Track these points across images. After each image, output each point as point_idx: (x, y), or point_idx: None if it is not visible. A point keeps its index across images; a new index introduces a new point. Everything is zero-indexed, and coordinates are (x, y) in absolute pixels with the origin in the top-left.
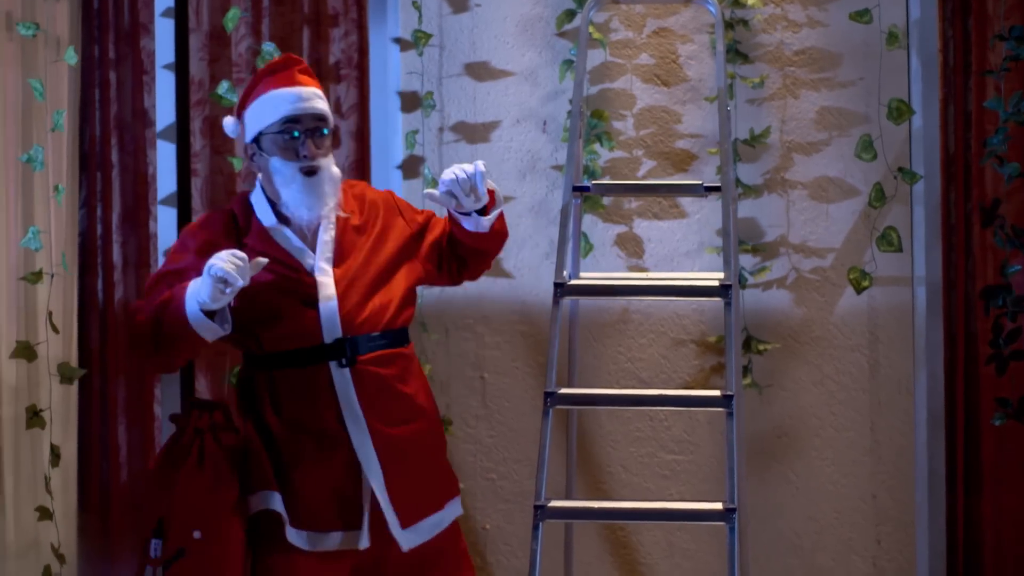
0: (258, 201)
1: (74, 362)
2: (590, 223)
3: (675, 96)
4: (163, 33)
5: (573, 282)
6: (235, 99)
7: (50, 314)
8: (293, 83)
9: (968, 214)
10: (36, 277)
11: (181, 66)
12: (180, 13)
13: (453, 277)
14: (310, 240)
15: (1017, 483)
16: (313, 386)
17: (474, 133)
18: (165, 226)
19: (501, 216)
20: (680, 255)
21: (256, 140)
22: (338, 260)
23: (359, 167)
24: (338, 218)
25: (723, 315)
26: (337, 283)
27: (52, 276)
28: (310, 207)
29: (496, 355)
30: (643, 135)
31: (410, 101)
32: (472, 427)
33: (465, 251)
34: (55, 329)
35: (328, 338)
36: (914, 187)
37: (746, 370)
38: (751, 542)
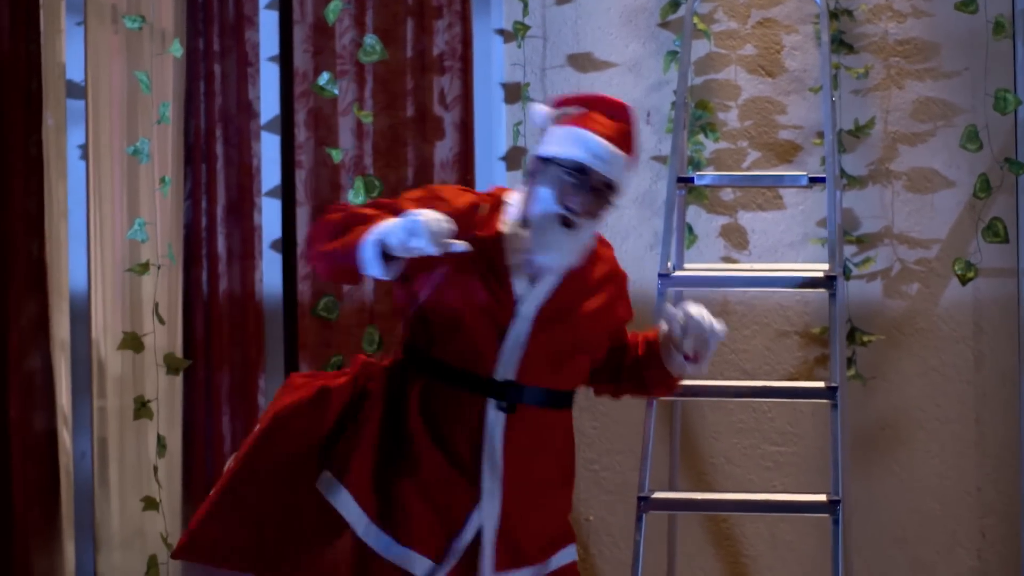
0: (511, 206)
1: (179, 353)
2: (694, 214)
3: (779, 87)
4: (267, 25)
5: (677, 273)
6: (336, 91)
7: (156, 305)
8: (612, 138)
9: None
10: (143, 269)
11: (285, 58)
12: (284, 5)
13: (604, 386)
14: (535, 277)
15: None
16: (465, 414)
17: None
18: (269, 218)
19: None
20: (784, 246)
21: (545, 159)
22: (549, 307)
23: (462, 159)
24: (569, 274)
25: (827, 306)
26: (534, 327)
27: (159, 268)
28: (549, 255)
29: None
30: (747, 126)
31: (513, 92)
32: (575, 418)
33: (637, 375)
34: (161, 320)
35: (499, 376)
36: (1020, 178)
37: (850, 362)
38: (855, 534)
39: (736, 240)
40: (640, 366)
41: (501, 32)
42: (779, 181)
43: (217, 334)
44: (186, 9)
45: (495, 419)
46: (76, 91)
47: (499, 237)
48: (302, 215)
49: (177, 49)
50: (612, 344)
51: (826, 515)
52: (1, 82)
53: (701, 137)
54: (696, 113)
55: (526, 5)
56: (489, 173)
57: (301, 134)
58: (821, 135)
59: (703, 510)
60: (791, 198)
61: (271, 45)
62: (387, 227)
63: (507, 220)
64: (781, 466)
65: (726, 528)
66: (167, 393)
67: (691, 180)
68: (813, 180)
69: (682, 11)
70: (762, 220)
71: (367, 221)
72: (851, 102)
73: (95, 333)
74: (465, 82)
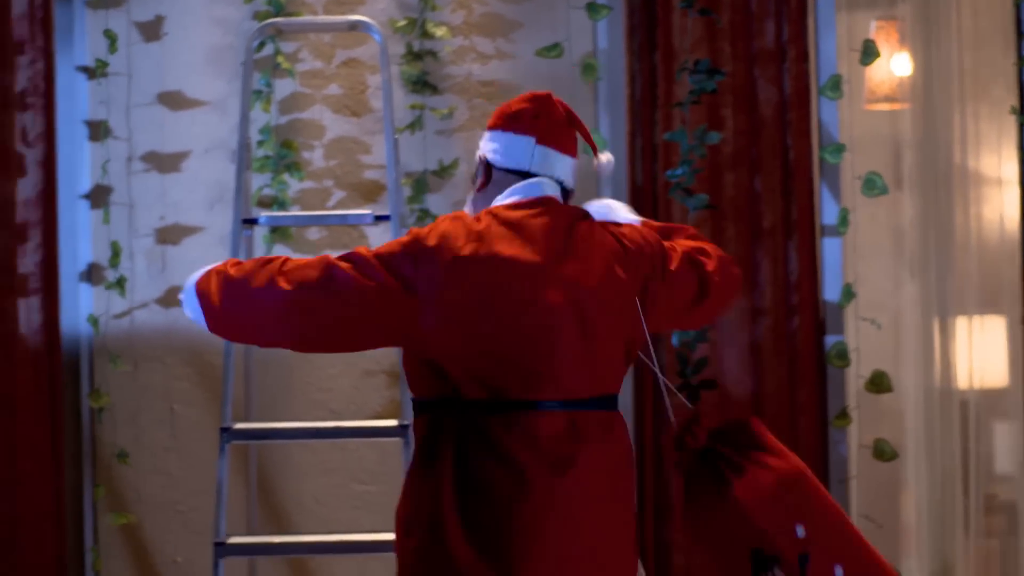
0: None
1: None
2: (285, 253)
3: (364, 126)
4: None
5: None
6: None
7: None
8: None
9: None
10: None
11: None
12: None
13: None
14: None
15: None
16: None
17: (163, 163)
18: None
19: None
20: None
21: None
22: None
23: (45, 196)
24: None
25: None
26: None
27: None
28: None
29: (185, 386)
30: (333, 165)
31: (97, 130)
32: (161, 459)
33: None
34: None
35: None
36: None
37: None
38: None
39: None
40: None
41: (85, 69)
42: (344, 220)
43: None
44: None
45: None
46: None
47: None
48: None
49: None
50: None
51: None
52: None
53: (286, 176)
54: (281, 152)
55: (113, 42)
56: (72, 211)
57: None
58: (407, 175)
59: (282, 553)
60: (378, 237)
61: None
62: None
63: None
64: (369, 504)
65: (314, 567)
66: None
67: (255, 221)
68: (379, 218)
69: (269, 50)
70: None
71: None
72: (436, 142)
73: None
74: (48, 119)
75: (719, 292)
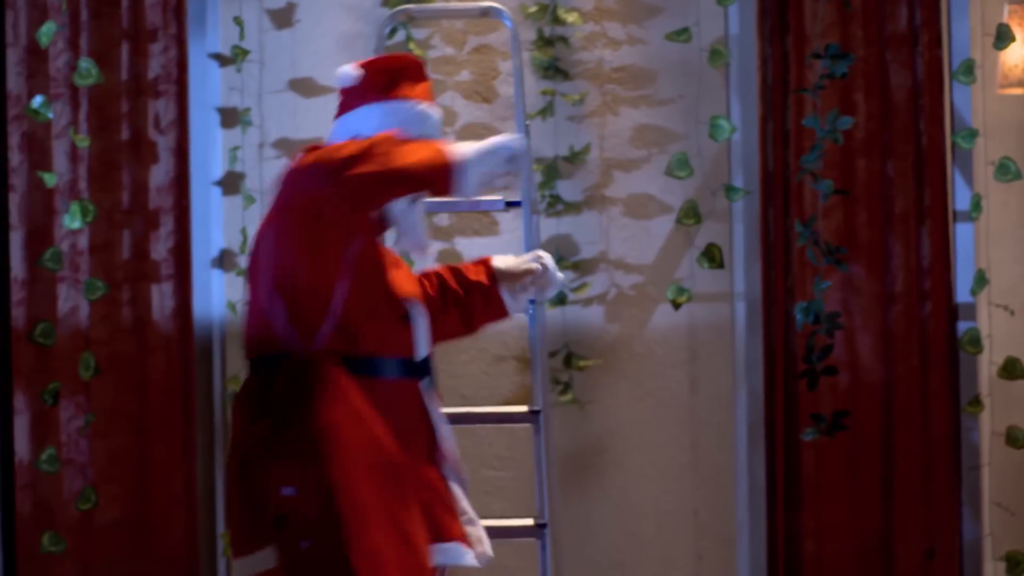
0: None
1: None
2: None
3: (496, 113)
4: None
5: None
6: (51, 115)
7: None
8: (431, 101)
9: (787, 230)
10: None
11: None
12: None
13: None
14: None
15: (836, 496)
16: (407, 401)
17: (295, 149)
18: None
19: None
20: None
21: None
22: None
23: (178, 183)
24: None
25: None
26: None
27: None
28: (412, 232)
29: None
30: None
31: (229, 117)
32: None
33: (464, 306)
34: None
35: (419, 356)
36: (733, 204)
37: (567, 386)
38: (571, 558)
39: None
40: (463, 299)
41: (217, 56)
42: (476, 206)
43: None
44: None
45: (431, 397)
46: None
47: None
48: (16, 240)
49: None
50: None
51: (533, 539)
52: None
53: None
54: None
55: (242, 29)
56: (205, 198)
57: (15, 158)
58: (538, 161)
59: None
60: (507, 223)
61: None
62: (481, 149)
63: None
64: (500, 490)
65: None
66: None
67: None
68: (510, 204)
69: (400, 36)
70: (479, 246)
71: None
72: (567, 128)
73: None
74: (180, 106)
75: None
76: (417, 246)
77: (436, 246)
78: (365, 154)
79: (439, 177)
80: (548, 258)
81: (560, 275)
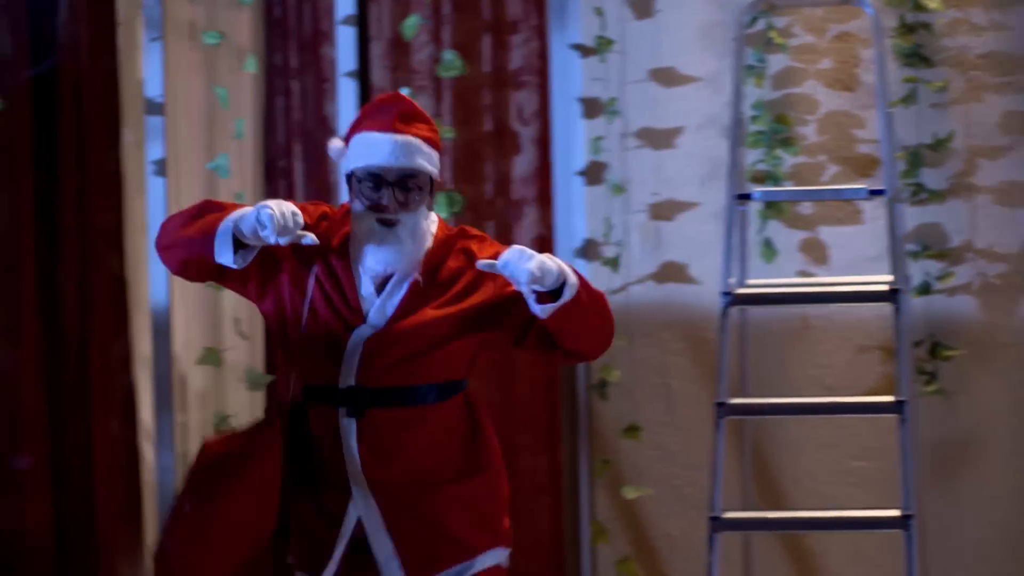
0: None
1: (261, 368)
2: (776, 229)
3: (857, 101)
4: (344, 41)
5: (739, 291)
6: None
7: (237, 321)
8: (389, 129)
9: None
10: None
11: (363, 74)
12: (361, 21)
13: (543, 351)
14: (382, 283)
15: None
16: (323, 429)
17: (657, 139)
18: None
19: (580, 305)
20: (864, 260)
21: (349, 175)
22: (397, 311)
23: (541, 174)
24: (413, 282)
25: (913, 320)
26: (377, 332)
27: None
28: (383, 261)
29: (680, 361)
30: (826, 140)
31: (591, 107)
32: (657, 433)
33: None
34: (243, 336)
35: (343, 384)
36: None
37: (933, 376)
38: (936, 550)
39: (816, 255)
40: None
41: (578, 47)
42: (839, 195)
43: None
44: (264, 26)
45: (347, 427)
46: (154, 107)
47: (345, 247)
48: None
49: (251, 65)
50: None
51: (899, 530)
52: (81, 98)
53: (779, 151)
54: (774, 127)
55: (604, 20)
56: (567, 188)
57: None
58: (902, 149)
59: (777, 528)
60: (871, 212)
61: (347, 61)
62: (240, 214)
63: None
64: (865, 481)
65: (807, 543)
66: (248, 408)
67: (749, 196)
68: (873, 193)
69: (760, 25)
70: (842, 234)
71: (222, 210)
72: (930, 116)
73: (176, 348)
74: (542, 97)
75: None
76: (372, 270)
77: (800, 235)
78: (163, 225)
79: (205, 248)
80: (507, 254)
81: (529, 265)
